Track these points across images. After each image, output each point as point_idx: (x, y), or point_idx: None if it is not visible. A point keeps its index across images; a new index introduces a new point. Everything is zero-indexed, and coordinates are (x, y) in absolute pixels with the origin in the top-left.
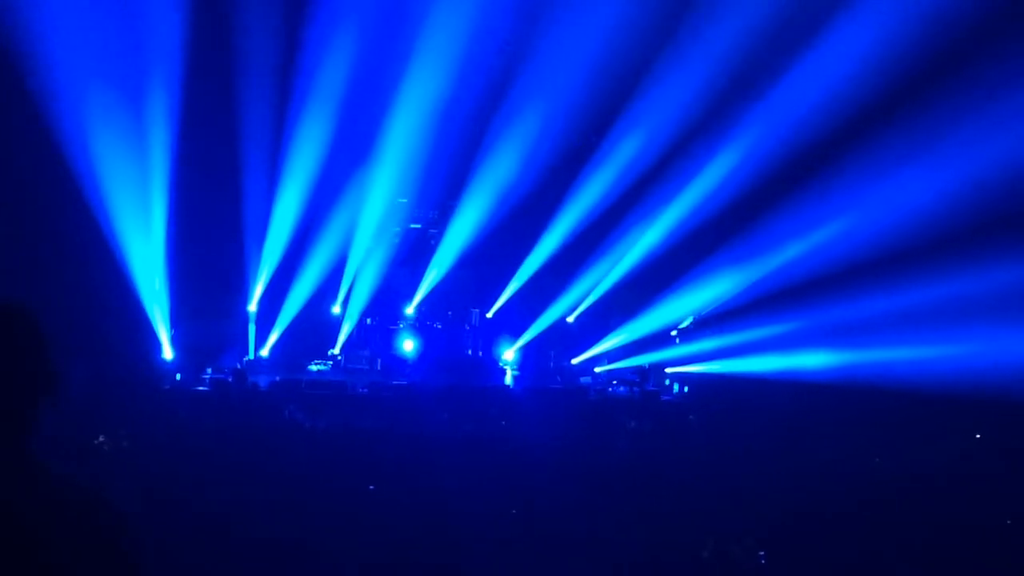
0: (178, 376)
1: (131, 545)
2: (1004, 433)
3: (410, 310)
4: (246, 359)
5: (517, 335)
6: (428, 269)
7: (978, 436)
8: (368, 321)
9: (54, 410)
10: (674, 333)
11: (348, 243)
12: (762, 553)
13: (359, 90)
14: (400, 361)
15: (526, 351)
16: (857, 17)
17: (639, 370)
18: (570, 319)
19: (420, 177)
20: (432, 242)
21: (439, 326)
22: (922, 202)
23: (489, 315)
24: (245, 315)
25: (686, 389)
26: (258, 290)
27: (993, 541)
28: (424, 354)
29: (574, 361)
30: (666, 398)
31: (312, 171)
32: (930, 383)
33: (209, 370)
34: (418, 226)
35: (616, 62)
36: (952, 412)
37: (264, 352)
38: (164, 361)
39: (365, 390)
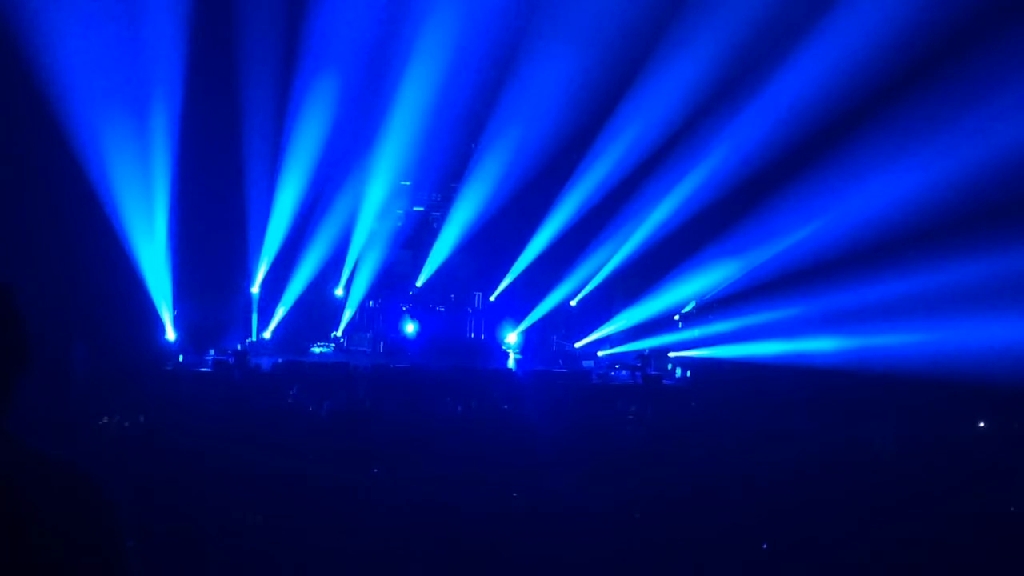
0: (181, 357)
1: (110, 520)
2: (1008, 420)
3: (413, 293)
4: (249, 340)
5: (520, 318)
6: (431, 252)
7: (981, 424)
8: (371, 304)
9: (59, 391)
10: (677, 318)
11: (351, 225)
12: (765, 546)
13: (363, 73)
14: (403, 344)
15: (528, 334)
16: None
17: (640, 355)
18: (573, 303)
19: (423, 160)
20: (435, 225)
21: (442, 309)
22: (924, 191)
23: (492, 298)
24: (248, 297)
25: (688, 373)
26: (261, 272)
27: (995, 529)
28: (427, 337)
29: (577, 345)
30: (668, 382)
31: (315, 154)
32: (932, 369)
33: (212, 351)
34: (421, 209)
35: (622, 47)
36: (953, 398)
37: (267, 334)
38: (167, 342)
39: (368, 372)
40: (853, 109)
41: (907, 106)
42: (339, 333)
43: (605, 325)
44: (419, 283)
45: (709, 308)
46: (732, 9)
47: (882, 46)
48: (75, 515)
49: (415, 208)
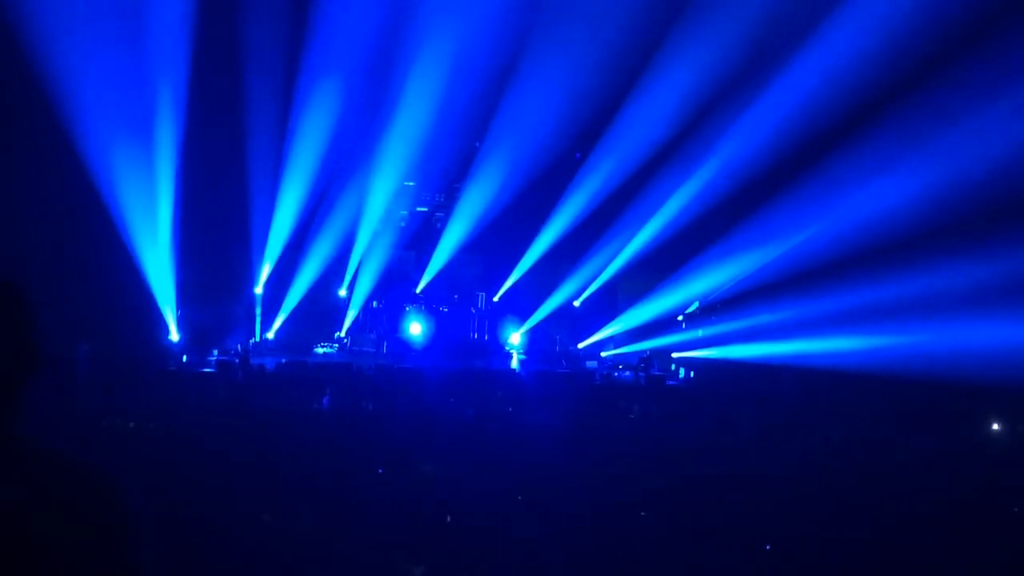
0: (184, 358)
1: (127, 517)
2: (1014, 421)
3: (416, 293)
4: (252, 341)
5: (523, 319)
6: (434, 252)
7: (996, 427)
8: (374, 304)
9: (62, 392)
10: (680, 318)
11: (355, 226)
12: (768, 547)
13: (366, 75)
14: (406, 344)
15: (532, 335)
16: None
17: (643, 355)
18: (576, 303)
19: (427, 161)
20: (438, 225)
21: (445, 309)
22: (928, 191)
23: (496, 299)
24: (252, 297)
25: (692, 374)
26: (264, 272)
27: (998, 532)
28: (430, 337)
29: (580, 345)
30: (671, 383)
31: (319, 155)
32: (939, 370)
33: (215, 352)
34: (424, 209)
35: (626, 48)
36: (958, 399)
37: (270, 334)
38: (171, 343)
39: (371, 372)
40: (855, 110)
41: (913, 105)
42: (343, 333)
43: (608, 326)
44: (423, 284)
45: (712, 309)
46: (740, 7)
47: (895, 41)
48: (94, 514)
49: (419, 209)
